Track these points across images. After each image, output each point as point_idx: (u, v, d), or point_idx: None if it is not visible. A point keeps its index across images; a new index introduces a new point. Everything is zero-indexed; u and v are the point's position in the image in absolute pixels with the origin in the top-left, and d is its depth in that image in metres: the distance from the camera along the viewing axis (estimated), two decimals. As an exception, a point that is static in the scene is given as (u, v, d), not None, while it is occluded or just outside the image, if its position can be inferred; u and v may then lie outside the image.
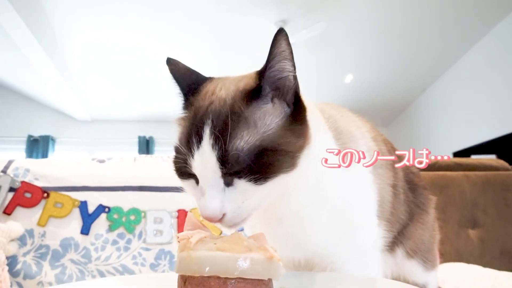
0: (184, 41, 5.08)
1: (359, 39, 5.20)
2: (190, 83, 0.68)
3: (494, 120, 4.93)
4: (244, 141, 0.55)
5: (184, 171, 0.60)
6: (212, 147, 0.55)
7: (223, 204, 0.57)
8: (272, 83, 0.61)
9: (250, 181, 0.56)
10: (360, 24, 4.84)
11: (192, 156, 0.57)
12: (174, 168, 0.64)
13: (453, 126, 5.89)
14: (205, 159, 0.56)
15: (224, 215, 0.57)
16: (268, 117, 0.59)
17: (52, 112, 7.14)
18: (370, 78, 6.28)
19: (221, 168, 0.55)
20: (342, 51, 5.52)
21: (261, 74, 0.61)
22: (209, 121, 0.57)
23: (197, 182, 0.60)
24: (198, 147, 0.56)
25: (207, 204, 0.56)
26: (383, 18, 4.72)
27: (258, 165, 0.55)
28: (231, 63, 5.63)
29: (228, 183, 0.57)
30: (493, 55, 5.00)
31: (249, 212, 0.60)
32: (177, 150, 0.61)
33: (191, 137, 0.58)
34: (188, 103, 0.65)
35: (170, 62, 0.69)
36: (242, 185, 0.57)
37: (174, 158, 0.62)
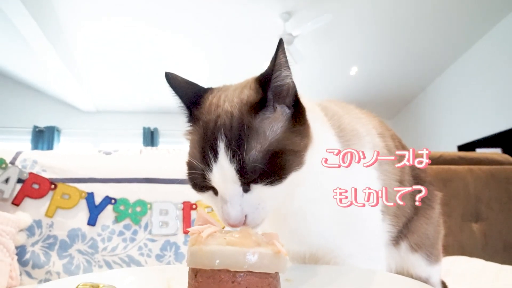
0: (189, 31, 5.07)
1: (364, 31, 5.17)
2: (191, 96, 0.69)
3: (500, 114, 4.91)
4: (257, 150, 0.59)
5: (202, 185, 0.63)
6: (230, 161, 0.58)
7: (242, 208, 0.60)
8: (275, 92, 0.64)
9: (266, 184, 0.60)
10: (365, 15, 4.81)
11: (210, 170, 0.60)
12: (190, 183, 0.66)
13: (458, 119, 5.87)
14: (224, 172, 0.59)
15: (246, 218, 0.60)
16: (274, 124, 0.62)
17: (57, 103, 7.17)
18: (375, 71, 6.25)
19: (240, 179, 0.59)
20: (347, 43, 5.49)
21: (264, 85, 0.63)
22: (222, 136, 0.60)
23: (215, 192, 0.63)
24: (215, 162, 0.59)
25: (230, 212, 0.59)
26: (388, 9, 4.69)
27: (271, 169, 0.59)
28: (236, 54, 5.63)
29: (246, 190, 0.60)
30: (500, 49, 4.96)
31: (267, 212, 0.63)
32: (191, 165, 0.64)
33: (206, 153, 0.60)
34: (193, 116, 0.68)
35: (169, 76, 0.70)
36: (259, 189, 0.60)
37: (190, 174, 0.65)
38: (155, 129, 7.67)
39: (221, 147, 0.59)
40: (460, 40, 5.38)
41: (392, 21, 4.94)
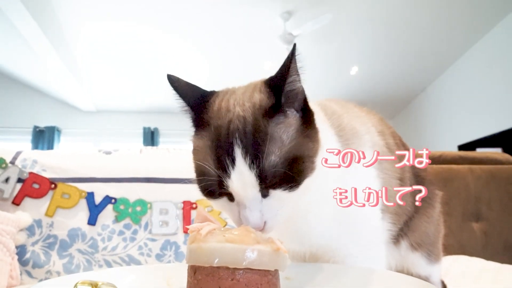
0: (189, 32, 5.08)
1: (365, 31, 5.17)
2: (196, 99, 0.69)
3: (501, 113, 4.91)
4: (276, 155, 0.59)
5: (219, 192, 0.62)
6: (250, 167, 0.58)
7: (262, 214, 0.60)
8: (287, 97, 0.63)
9: (285, 189, 0.60)
10: (365, 15, 4.81)
11: (229, 176, 0.59)
12: (203, 191, 0.65)
13: (458, 119, 5.86)
14: (244, 178, 0.58)
15: (265, 223, 0.61)
16: (289, 129, 0.62)
17: (57, 103, 7.17)
18: (376, 71, 6.25)
19: (260, 184, 0.59)
20: (347, 43, 5.49)
21: (277, 90, 0.63)
22: (238, 141, 0.59)
23: (230, 199, 0.63)
24: (233, 168, 0.59)
25: (250, 218, 0.60)
26: (389, 9, 4.69)
27: (291, 174, 0.60)
28: (236, 53, 5.62)
29: (264, 195, 0.61)
30: (500, 49, 4.95)
31: (284, 217, 0.64)
32: (204, 172, 0.62)
33: (222, 159, 0.59)
34: (201, 120, 0.66)
35: (172, 79, 0.69)
36: (277, 194, 0.60)
37: (202, 181, 0.63)
38: (155, 129, 7.67)
39: (238, 153, 0.58)
40: (460, 40, 5.38)
41: (392, 21, 4.94)
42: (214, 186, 0.62)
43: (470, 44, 5.44)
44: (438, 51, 5.66)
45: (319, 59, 5.76)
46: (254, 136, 0.59)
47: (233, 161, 0.59)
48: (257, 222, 0.59)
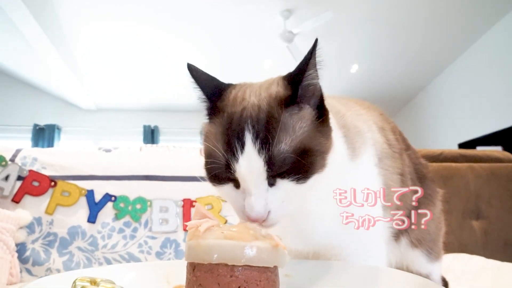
0: (189, 31, 5.07)
1: (365, 29, 5.16)
2: (212, 88, 0.69)
3: (500, 112, 4.90)
4: (287, 144, 0.59)
5: (224, 176, 0.62)
6: (259, 152, 0.58)
7: (267, 203, 0.60)
8: (304, 90, 0.64)
9: (292, 180, 0.60)
10: (366, 13, 4.80)
11: (237, 161, 0.59)
12: (209, 175, 0.65)
13: (459, 117, 5.86)
14: (251, 163, 0.58)
15: (268, 214, 0.60)
16: (302, 121, 0.62)
17: (57, 101, 7.17)
18: (376, 69, 6.24)
19: (268, 171, 0.59)
20: (348, 41, 5.48)
21: (295, 82, 0.64)
22: (249, 127, 0.60)
23: (235, 186, 0.63)
24: (242, 152, 0.59)
25: (254, 205, 0.59)
26: (389, 7, 4.68)
27: (300, 165, 0.59)
28: (236, 51, 5.61)
29: (271, 184, 0.60)
30: (500, 47, 4.94)
31: (288, 212, 0.63)
32: (213, 155, 0.62)
33: (231, 143, 0.60)
34: (215, 108, 0.67)
35: (191, 68, 0.70)
36: (284, 185, 0.60)
37: (210, 164, 0.63)
38: (156, 127, 7.66)
39: (248, 137, 0.59)
40: (460, 39, 5.37)
41: (392, 19, 4.93)
42: (221, 170, 0.62)
43: (470, 42, 5.43)
44: (438, 50, 5.65)
45: (319, 57, 5.74)
46: (266, 122, 0.60)
47: (242, 145, 0.59)
48: (261, 210, 0.59)
